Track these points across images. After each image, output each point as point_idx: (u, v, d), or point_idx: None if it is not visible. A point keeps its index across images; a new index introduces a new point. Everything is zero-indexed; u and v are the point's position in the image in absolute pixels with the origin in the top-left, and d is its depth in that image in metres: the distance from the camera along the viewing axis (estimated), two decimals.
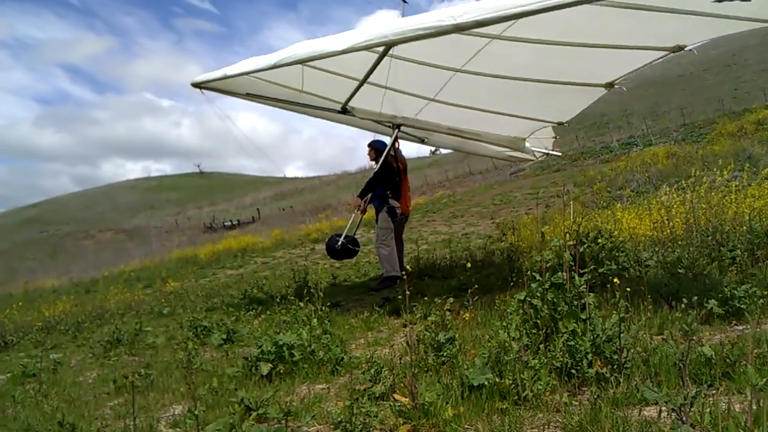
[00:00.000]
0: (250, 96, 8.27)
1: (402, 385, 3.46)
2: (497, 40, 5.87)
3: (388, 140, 9.21)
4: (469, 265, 6.29)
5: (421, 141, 11.28)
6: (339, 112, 8.30)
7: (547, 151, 10.44)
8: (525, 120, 8.46)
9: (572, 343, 3.40)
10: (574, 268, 3.75)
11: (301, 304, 5.71)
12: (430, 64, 6.91)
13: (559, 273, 3.76)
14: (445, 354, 3.96)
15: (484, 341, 4.19)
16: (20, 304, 16.56)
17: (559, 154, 10.53)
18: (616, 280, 4.20)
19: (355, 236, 9.34)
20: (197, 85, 7.78)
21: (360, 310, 6.95)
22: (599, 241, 7.25)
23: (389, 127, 9.26)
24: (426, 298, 5.44)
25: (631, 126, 51.91)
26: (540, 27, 5.51)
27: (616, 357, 3.28)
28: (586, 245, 6.69)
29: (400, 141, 9.73)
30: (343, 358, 4.53)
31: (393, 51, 5.90)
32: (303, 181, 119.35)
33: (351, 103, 8.07)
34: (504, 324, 3.75)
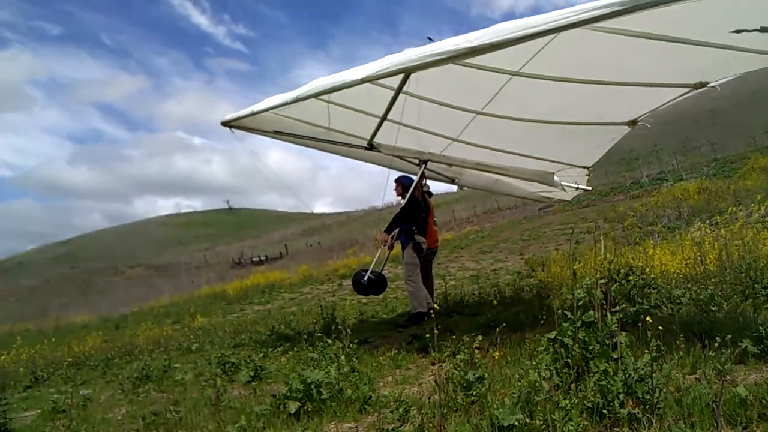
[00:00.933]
0: (278, 134, 8.37)
1: (431, 425, 3.43)
2: (516, 78, 5.87)
3: (415, 177, 9.23)
4: (495, 302, 6.25)
5: (452, 181, 11.28)
6: (366, 148, 8.35)
7: (577, 186, 10.35)
8: (550, 163, 8.43)
9: (604, 382, 3.35)
10: (605, 306, 3.72)
11: (329, 341, 5.70)
12: (451, 105, 6.92)
13: (591, 311, 3.72)
14: (474, 393, 3.92)
15: (514, 380, 4.15)
16: (51, 339, 16.72)
17: (589, 188, 10.41)
18: (648, 318, 4.14)
19: (383, 272, 9.31)
20: (226, 124, 7.92)
21: (388, 348, 6.91)
22: (630, 278, 7.16)
23: (416, 164, 9.28)
24: (454, 336, 5.39)
25: (661, 161, 51.43)
26: (558, 63, 5.50)
27: (648, 397, 3.23)
28: (617, 283, 6.62)
29: (427, 178, 9.76)
30: (371, 396, 4.50)
31: (412, 88, 5.95)
32: (330, 217, 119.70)
33: (377, 140, 8.14)
34: (534, 363, 3.71)
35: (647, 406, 3.22)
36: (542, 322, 5.87)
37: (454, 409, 3.88)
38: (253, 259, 62.52)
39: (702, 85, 5.53)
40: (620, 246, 14.84)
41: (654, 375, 3.25)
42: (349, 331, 5.64)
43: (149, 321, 20.98)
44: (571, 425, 3.12)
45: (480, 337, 4.54)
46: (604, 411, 3.28)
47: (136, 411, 5.91)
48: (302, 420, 4.28)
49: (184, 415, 5.12)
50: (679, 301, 6.59)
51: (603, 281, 4.03)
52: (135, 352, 12.55)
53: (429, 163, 9.18)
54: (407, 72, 5.32)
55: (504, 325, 5.36)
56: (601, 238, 13.27)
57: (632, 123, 6.67)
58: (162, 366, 7.97)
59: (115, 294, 54.38)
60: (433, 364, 5.71)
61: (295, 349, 7.78)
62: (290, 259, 54.83)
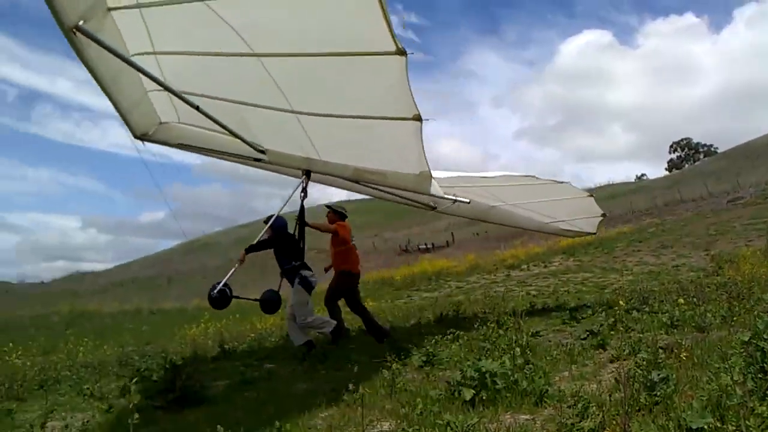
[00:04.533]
0: (182, 146, 8.21)
1: (613, 423, 3.34)
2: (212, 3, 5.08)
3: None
4: (681, 300, 5.93)
5: (432, 208, 10.93)
6: (255, 159, 8.03)
7: (455, 198, 9.34)
8: (386, 122, 7.11)
9: None
10: None
11: (501, 331, 5.70)
12: (220, 53, 6.11)
13: None
14: (658, 393, 3.76)
15: (702, 383, 3.93)
16: (236, 315, 18.04)
17: (468, 199, 9.25)
18: None
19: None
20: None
21: (561, 342, 6.78)
22: None
23: (300, 176, 8.77)
24: (632, 334, 5.19)
25: None
26: None
27: None
28: None
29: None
30: (547, 390, 4.45)
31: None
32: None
33: (267, 146, 7.84)
34: (726, 366, 3.50)
35: None
36: (732, 323, 5.50)
37: (637, 408, 3.75)
38: (420, 246, 63.15)
39: None
40: None
41: None
42: (521, 323, 5.60)
43: (322, 304, 21.93)
44: None
45: (663, 336, 4.35)
46: None
47: (317, 387, 6.25)
48: (477, 408, 4.32)
49: (361, 394, 5.34)
50: None
51: None
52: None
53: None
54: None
55: (689, 324, 5.08)
56: None
57: (401, 52, 5.45)
58: (336, 347, 8.29)
59: None
60: (612, 361, 5.53)
61: (465, 337, 7.83)
62: (456, 247, 54.97)
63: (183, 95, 6.21)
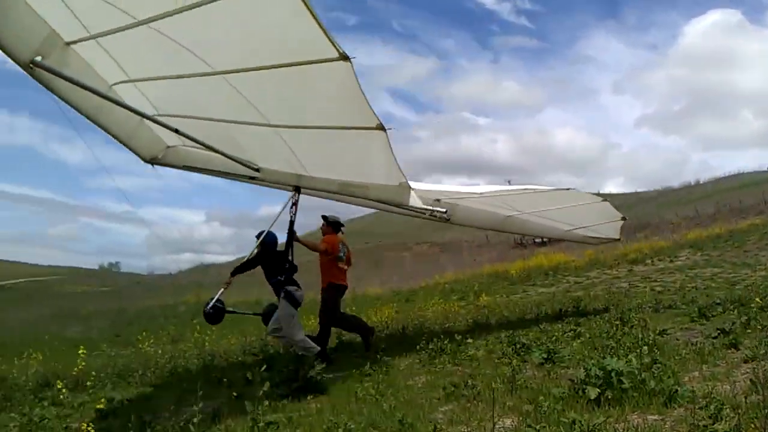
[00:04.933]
0: (187, 168, 8.37)
1: (751, 426, 3.19)
2: (165, 27, 4.99)
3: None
4: None
5: (446, 220, 10.54)
6: (250, 177, 8.01)
7: (432, 209, 9.06)
8: (355, 133, 6.74)
9: None
10: None
11: (626, 329, 5.55)
12: (186, 74, 6.01)
13: None
14: None
15: None
16: (352, 308, 18.41)
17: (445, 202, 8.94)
18: None
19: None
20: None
21: (690, 341, 6.50)
22: None
23: (292, 191, 8.76)
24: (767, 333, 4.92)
25: None
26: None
27: None
28: None
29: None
30: (677, 390, 4.29)
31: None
32: (619, 198, 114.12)
33: (260, 163, 7.80)
34: None
35: None
36: None
37: None
38: (535, 240, 61.91)
39: None
40: None
41: None
42: (647, 320, 5.44)
43: (437, 296, 22.03)
44: None
45: None
46: None
47: (435, 381, 6.31)
48: (603, 407, 4.23)
49: (481, 389, 5.35)
50: None
51: None
52: (426, 324, 13.29)
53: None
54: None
55: None
56: None
57: (344, 57, 4.86)
58: (455, 340, 8.31)
59: (403, 269, 57.74)
60: (746, 361, 5.26)
61: (587, 334, 7.65)
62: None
63: (158, 118, 6.49)
